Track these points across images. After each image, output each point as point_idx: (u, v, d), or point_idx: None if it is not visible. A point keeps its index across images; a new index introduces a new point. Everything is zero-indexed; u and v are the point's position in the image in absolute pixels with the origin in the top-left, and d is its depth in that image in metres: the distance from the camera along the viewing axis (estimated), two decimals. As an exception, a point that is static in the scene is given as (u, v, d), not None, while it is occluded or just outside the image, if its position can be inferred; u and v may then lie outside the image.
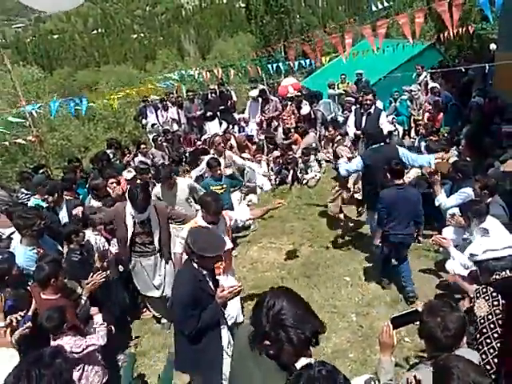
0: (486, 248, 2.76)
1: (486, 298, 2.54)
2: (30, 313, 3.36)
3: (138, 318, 5.26)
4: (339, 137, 6.32)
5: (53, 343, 3.11)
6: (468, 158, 6.06)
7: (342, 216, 6.50)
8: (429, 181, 4.92)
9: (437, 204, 4.78)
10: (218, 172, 5.89)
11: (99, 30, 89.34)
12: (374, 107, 6.76)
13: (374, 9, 12.02)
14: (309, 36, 13.09)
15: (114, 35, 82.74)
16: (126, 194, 4.50)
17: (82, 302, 3.62)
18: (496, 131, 6.59)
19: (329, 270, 5.56)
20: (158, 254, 4.57)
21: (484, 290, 2.60)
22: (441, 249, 4.74)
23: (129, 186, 5.05)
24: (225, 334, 3.21)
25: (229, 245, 4.09)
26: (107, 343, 3.49)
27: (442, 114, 8.39)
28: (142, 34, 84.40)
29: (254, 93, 10.17)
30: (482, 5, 4.65)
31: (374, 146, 5.28)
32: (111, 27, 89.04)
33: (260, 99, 10.03)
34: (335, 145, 6.21)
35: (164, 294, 4.70)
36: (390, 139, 7.53)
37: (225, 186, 5.98)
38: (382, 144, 5.32)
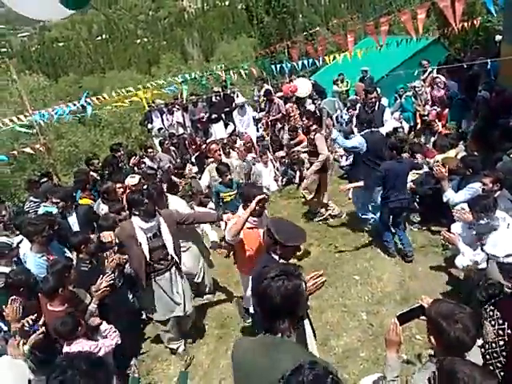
0: (509, 252, 2.70)
1: (492, 323, 2.36)
2: (40, 322, 3.38)
3: (149, 321, 5.28)
4: (314, 126, 6.40)
5: (66, 348, 3.14)
6: (475, 153, 6.02)
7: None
8: (436, 176, 4.89)
9: (445, 200, 4.75)
10: (228, 178, 5.72)
11: (103, 37, 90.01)
12: (378, 104, 6.74)
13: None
14: (312, 35, 13.09)
15: (117, 41, 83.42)
16: (128, 201, 4.26)
17: (92, 309, 3.64)
18: (504, 125, 6.52)
19: (338, 269, 5.55)
20: (173, 269, 4.21)
21: (491, 312, 2.41)
22: (450, 245, 4.72)
23: (128, 193, 4.71)
24: (308, 326, 3.03)
25: None
26: (118, 347, 3.52)
27: (447, 109, 8.32)
28: (145, 39, 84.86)
29: (240, 100, 9.92)
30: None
31: (367, 131, 5.89)
32: (115, 33, 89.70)
33: (247, 106, 9.91)
34: (312, 133, 6.36)
35: (187, 312, 4.40)
36: (395, 135, 7.52)
37: (234, 192, 5.82)
38: (374, 130, 5.94)
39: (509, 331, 2.25)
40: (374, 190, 5.82)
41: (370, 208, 6.23)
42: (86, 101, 8.44)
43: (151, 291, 4.17)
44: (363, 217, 6.28)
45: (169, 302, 4.25)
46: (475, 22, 9.35)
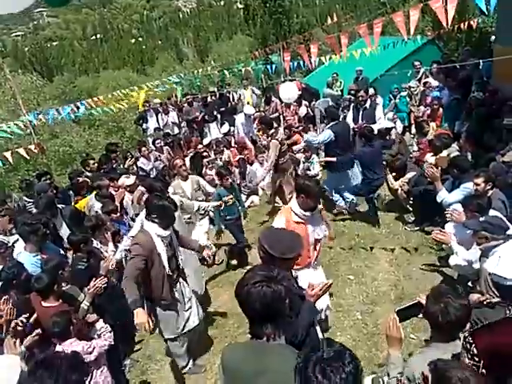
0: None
1: (469, 356, 2.09)
2: (31, 320, 3.34)
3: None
4: (271, 131, 6.60)
5: (59, 348, 3.12)
6: (469, 153, 6.07)
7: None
8: (429, 177, 4.92)
9: (439, 200, 4.77)
10: (229, 181, 5.57)
11: (98, 36, 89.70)
12: (369, 102, 6.82)
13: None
14: (306, 36, 13.09)
15: (112, 40, 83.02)
16: (145, 206, 3.88)
17: (85, 307, 3.62)
18: (497, 125, 6.56)
19: (332, 268, 5.55)
20: (180, 279, 3.98)
21: (468, 345, 2.10)
22: (444, 245, 4.74)
23: (147, 197, 4.18)
24: (319, 333, 2.92)
25: (322, 232, 3.89)
26: (112, 348, 3.50)
27: (441, 110, 8.35)
28: (140, 39, 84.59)
29: (250, 110, 9.71)
30: (477, 1, 4.64)
31: (334, 123, 6.40)
32: (109, 33, 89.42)
33: (253, 117, 9.77)
34: (268, 139, 6.72)
35: (197, 326, 4.14)
36: (389, 136, 7.59)
37: (233, 196, 5.60)
38: (340, 121, 6.57)
39: (483, 371, 2.03)
40: (346, 173, 6.44)
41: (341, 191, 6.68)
42: (80, 102, 8.43)
43: (166, 305, 3.85)
44: (335, 200, 6.76)
45: (181, 315, 3.97)
46: (472, 23, 9.36)
